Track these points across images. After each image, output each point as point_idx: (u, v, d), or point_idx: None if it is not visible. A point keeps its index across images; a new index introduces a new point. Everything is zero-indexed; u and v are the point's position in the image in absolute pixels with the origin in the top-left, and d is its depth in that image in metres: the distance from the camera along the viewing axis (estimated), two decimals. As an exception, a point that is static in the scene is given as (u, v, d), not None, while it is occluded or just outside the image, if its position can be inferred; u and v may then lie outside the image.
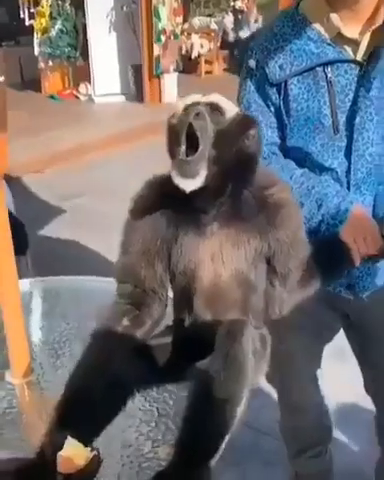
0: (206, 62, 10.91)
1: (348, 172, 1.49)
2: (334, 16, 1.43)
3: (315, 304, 1.40)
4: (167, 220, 1.20)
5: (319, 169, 1.51)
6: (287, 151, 1.55)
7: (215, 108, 1.11)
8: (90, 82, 8.90)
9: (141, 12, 8.25)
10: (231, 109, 1.14)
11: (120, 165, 6.04)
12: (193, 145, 1.08)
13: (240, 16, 11.09)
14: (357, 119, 1.45)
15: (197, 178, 1.09)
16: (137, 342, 1.22)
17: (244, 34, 10.92)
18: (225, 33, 11.33)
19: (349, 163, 1.49)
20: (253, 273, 1.23)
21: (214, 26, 11.20)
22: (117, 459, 1.15)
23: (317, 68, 1.45)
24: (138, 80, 8.69)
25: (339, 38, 1.45)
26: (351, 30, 1.45)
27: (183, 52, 10.39)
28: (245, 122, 1.16)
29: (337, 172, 1.50)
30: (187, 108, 1.12)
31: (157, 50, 8.41)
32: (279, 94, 1.50)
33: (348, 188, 1.50)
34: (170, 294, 1.31)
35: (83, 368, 1.16)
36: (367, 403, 2.18)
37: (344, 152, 1.48)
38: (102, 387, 1.13)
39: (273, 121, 1.53)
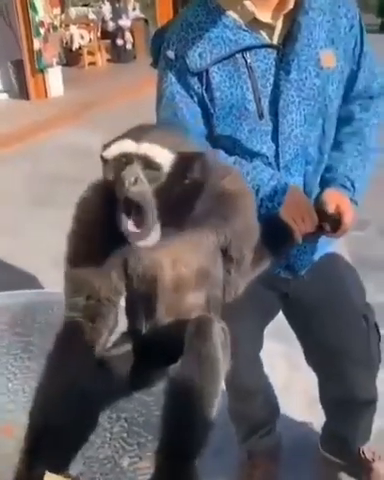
0: (88, 53, 10.71)
1: (277, 155, 1.51)
2: (248, 3, 1.44)
3: (255, 287, 1.41)
4: (113, 222, 1.14)
5: (249, 155, 1.51)
6: (215, 140, 1.54)
7: (150, 164, 1.04)
8: (-31, 83, 8.45)
9: (15, 5, 7.92)
10: (166, 160, 1.05)
11: (12, 167, 5.81)
12: (137, 209, 1.05)
13: (117, 5, 10.96)
14: (280, 102, 1.47)
15: (151, 237, 1.07)
16: (97, 356, 1.16)
17: (124, 23, 10.81)
18: (104, 22, 11.16)
19: (277, 146, 1.50)
20: (214, 268, 1.21)
21: (92, 16, 11.01)
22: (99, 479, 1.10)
23: (236, 55, 1.44)
24: (20, 76, 8.37)
25: (254, 24, 1.46)
26: (264, 15, 1.46)
27: (63, 44, 10.13)
28: (185, 164, 1.07)
29: (267, 156, 1.51)
30: (120, 160, 1.05)
31: (37, 44, 8.12)
32: (201, 83, 1.48)
33: (278, 170, 1.52)
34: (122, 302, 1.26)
35: (45, 393, 1.09)
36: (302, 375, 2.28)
37: (271, 136, 1.50)
38: (69, 409, 1.07)
39: (198, 111, 1.51)
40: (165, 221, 1.08)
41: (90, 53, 10.75)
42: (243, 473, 2.16)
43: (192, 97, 1.50)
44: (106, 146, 1.08)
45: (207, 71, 1.46)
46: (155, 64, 1.58)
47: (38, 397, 1.09)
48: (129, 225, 1.06)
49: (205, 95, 1.48)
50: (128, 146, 1.05)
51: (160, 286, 1.17)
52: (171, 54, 1.48)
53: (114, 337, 1.25)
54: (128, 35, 10.95)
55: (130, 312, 1.26)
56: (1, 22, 8.23)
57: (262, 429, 2.10)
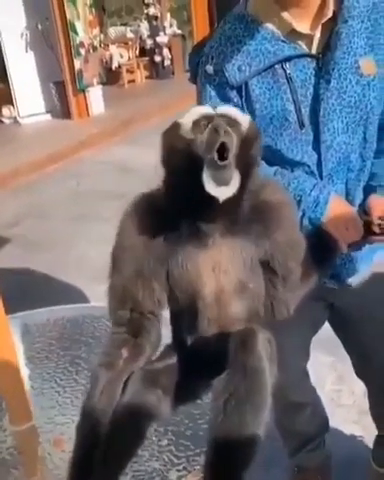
0: (127, 71, 10.87)
1: (319, 164, 1.50)
2: (285, 14, 1.44)
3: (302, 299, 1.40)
4: (160, 237, 1.16)
5: (290, 165, 1.51)
6: None
7: (231, 120, 1.09)
8: (13, 104, 8.67)
9: (56, 28, 8.11)
10: (244, 120, 1.13)
11: (56, 184, 5.94)
12: (222, 154, 1.05)
13: (155, 22, 11.12)
14: (321, 111, 1.46)
15: (231, 185, 1.07)
16: (142, 370, 1.17)
17: (162, 40, 10.95)
18: (142, 40, 11.33)
19: (319, 155, 1.49)
20: (253, 280, 1.20)
21: (130, 34, 11.19)
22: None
23: (275, 66, 1.45)
24: (62, 96, 8.54)
25: (292, 35, 1.45)
26: (303, 25, 1.45)
27: (103, 64, 10.33)
28: (255, 132, 1.15)
29: (308, 165, 1.50)
30: (199, 123, 1.08)
31: (78, 64, 8.29)
32: (241, 96, 1.49)
33: (321, 179, 1.51)
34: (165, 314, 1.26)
35: (90, 414, 1.10)
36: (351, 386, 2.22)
37: (312, 145, 1.49)
38: (116, 423, 1.08)
39: None
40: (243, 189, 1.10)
41: (129, 71, 10.90)
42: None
43: None
44: (179, 121, 1.11)
45: (246, 84, 1.47)
46: (193, 79, 1.60)
47: (86, 411, 1.11)
48: (214, 158, 1.04)
49: (245, 108, 1.49)
50: (206, 109, 1.11)
51: (201, 297, 1.17)
52: (210, 69, 1.49)
53: (159, 349, 1.26)
54: (166, 51, 11.08)
55: (174, 324, 1.27)
56: (42, 44, 8.43)
57: (311, 443, 2.06)
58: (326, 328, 2.52)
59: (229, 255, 1.17)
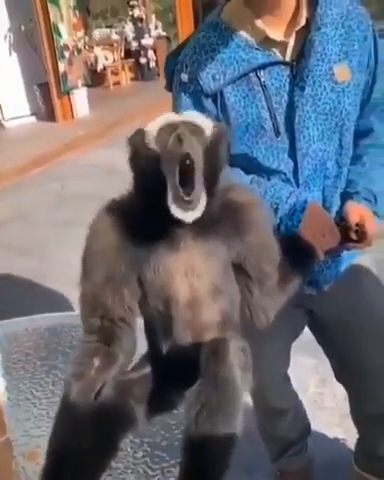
0: (112, 73, 10.84)
1: (295, 171, 1.50)
2: (259, 22, 1.44)
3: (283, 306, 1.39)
4: (131, 241, 1.14)
5: (266, 173, 1.51)
6: (232, 159, 1.53)
7: (196, 129, 1.08)
8: (-3, 106, 8.62)
9: (40, 30, 8.07)
10: (207, 125, 1.11)
11: (40, 188, 5.91)
12: (185, 174, 1.03)
13: (140, 24, 11.10)
14: (296, 119, 1.46)
15: (198, 209, 1.06)
16: (115, 380, 1.16)
17: (147, 42, 10.94)
18: (127, 42, 11.31)
19: (295, 163, 1.49)
20: (227, 284, 1.19)
21: (115, 36, 11.17)
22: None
23: (250, 74, 1.45)
24: (46, 99, 8.51)
25: (266, 42, 1.46)
26: (277, 33, 1.45)
27: (88, 66, 10.29)
28: (221, 133, 1.13)
29: (285, 173, 1.50)
30: (163, 131, 1.07)
31: (62, 67, 8.26)
32: (216, 104, 1.48)
33: (297, 187, 1.51)
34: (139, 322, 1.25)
35: (62, 425, 1.09)
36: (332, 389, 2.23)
37: (288, 152, 1.49)
38: (89, 434, 1.07)
39: None
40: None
41: (114, 73, 10.87)
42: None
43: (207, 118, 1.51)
44: (144, 128, 1.10)
45: (221, 92, 1.46)
46: (169, 87, 1.60)
47: (57, 423, 1.10)
48: (178, 189, 1.03)
49: (221, 116, 1.48)
50: (171, 117, 1.10)
51: (175, 302, 1.16)
52: (185, 77, 1.49)
53: (136, 359, 1.25)
54: (151, 53, 11.06)
55: (148, 331, 1.26)
56: (26, 46, 8.39)
57: (293, 448, 2.06)
58: (308, 331, 2.53)
59: (202, 258, 1.15)
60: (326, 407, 2.42)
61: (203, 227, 1.13)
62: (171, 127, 1.07)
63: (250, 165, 1.51)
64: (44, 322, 1.70)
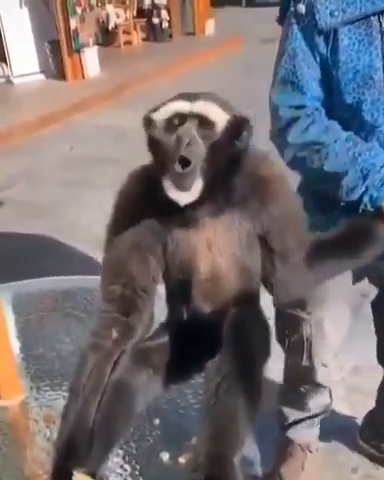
0: (124, 32, 10.59)
1: None
2: None
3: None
4: (156, 214, 1.13)
5: (367, 130, 1.41)
6: (333, 109, 1.45)
7: (204, 122, 1.05)
8: (6, 63, 8.46)
9: (52, -16, 7.86)
10: (221, 119, 1.07)
11: (49, 148, 5.84)
12: (186, 160, 1.03)
13: (154, -18, 10.80)
14: None
15: (192, 190, 1.06)
16: (132, 348, 1.15)
17: (160, 1, 10.66)
18: (140, 1, 11.02)
19: None
20: (249, 257, 1.18)
21: (128, -6, 10.89)
22: (138, 473, 1.09)
23: (371, 17, 1.35)
24: (57, 56, 8.34)
25: None
26: None
27: (100, 24, 10.07)
28: (237, 127, 1.09)
29: None
30: (171, 122, 1.05)
31: (74, 24, 8.07)
32: (327, 44, 1.39)
33: None
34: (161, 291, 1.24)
35: (79, 393, 1.08)
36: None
37: None
38: (107, 407, 1.07)
39: (319, 73, 1.43)
40: (209, 189, 1.08)
41: (126, 32, 10.64)
42: (278, 461, 2.14)
43: (315, 57, 1.42)
44: (153, 111, 1.08)
45: (336, 31, 1.38)
46: (281, 20, 1.51)
47: (73, 392, 1.09)
48: (176, 167, 1.04)
49: (329, 57, 1.40)
50: (181, 106, 1.06)
51: (196, 274, 1.16)
52: (301, 8, 1.41)
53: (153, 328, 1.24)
54: (164, 13, 10.79)
55: (170, 301, 1.25)
56: (38, 2, 8.18)
57: (309, 420, 2.05)
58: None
59: (224, 234, 1.15)
60: (332, 380, 2.43)
61: (220, 205, 1.13)
62: (179, 118, 1.05)
63: (351, 118, 1.41)
64: (58, 285, 1.69)
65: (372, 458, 2.12)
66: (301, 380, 1.90)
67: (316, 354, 1.80)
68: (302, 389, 1.93)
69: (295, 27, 1.42)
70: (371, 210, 1.35)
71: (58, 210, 4.34)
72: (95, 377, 1.08)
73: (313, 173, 1.45)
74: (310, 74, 1.42)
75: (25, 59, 8.35)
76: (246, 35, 11.06)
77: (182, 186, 1.05)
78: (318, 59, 1.41)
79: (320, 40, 1.40)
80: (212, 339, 1.10)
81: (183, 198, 1.06)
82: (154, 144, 1.10)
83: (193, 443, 1.06)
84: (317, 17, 1.38)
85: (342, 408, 2.31)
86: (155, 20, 10.77)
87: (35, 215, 4.24)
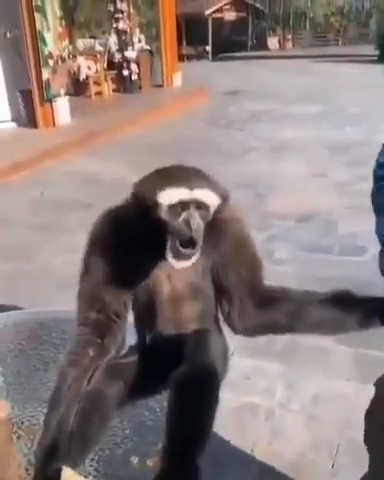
0: (95, 83, 10.97)
1: None
2: None
3: None
4: (127, 247, 1.29)
5: None
6: None
7: (202, 206, 1.23)
8: (-22, 111, 8.66)
9: (25, 38, 8.17)
10: (214, 203, 1.25)
11: (20, 193, 5.97)
12: (193, 241, 1.21)
13: (123, 37, 11.27)
14: None
15: (191, 260, 1.23)
16: (106, 364, 1.30)
17: (130, 54, 11.11)
18: (110, 54, 11.46)
19: None
20: (205, 284, 1.36)
21: (99, 47, 11.32)
22: (110, 475, 1.21)
23: None
24: (29, 105, 8.58)
25: None
26: None
27: (71, 75, 10.41)
28: (222, 205, 1.27)
29: None
30: (175, 208, 1.21)
31: (46, 74, 8.36)
32: None
33: None
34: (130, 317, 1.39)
35: (59, 403, 1.22)
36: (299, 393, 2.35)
37: None
38: (82, 416, 1.21)
39: None
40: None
41: (96, 83, 11.02)
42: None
43: None
44: (158, 190, 1.21)
45: None
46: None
47: (53, 403, 1.23)
48: (184, 252, 1.21)
49: None
50: (184, 194, 1.22)
51: (158, 298, 1.32)
52: None
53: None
54: (134, 66, 11.24)
55: (137, 324, 1.41)
56: (11, 52, 8.47)
57: None
58: (279, 339, 2.69)
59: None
60: (292, 409, 2.55)
61: None
62: (182, 205, 1.22)
63: None
64: (33, 317, 1.81)
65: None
66: None
67: None
68: None
69: None
70: None
71: (29, 253, 4.44)
72: (74, 389, 1.22)
73: None
74: None
75: (-3, 107, 8.58)
76: (211, 87, 11.57)
77: (184, 260, 1.22)
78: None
79: None
80: (176, 357, 1.24)
81: (181, 265, 1.23)
82: (158, 221, 1.23)
83: (159, 448, 1.18)
84: None
85: (302, 435, 2.42)
86: (125, 72, 11.20)
87: (6, 258, 4.32)
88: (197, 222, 1.20)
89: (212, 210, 1.24)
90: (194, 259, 1.23)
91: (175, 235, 1.21)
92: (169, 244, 1.22)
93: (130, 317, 1.40)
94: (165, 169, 1.28)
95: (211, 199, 1.24)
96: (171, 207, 1.21)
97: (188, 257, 1.22)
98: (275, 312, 1.33)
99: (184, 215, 1.20)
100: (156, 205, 1.21)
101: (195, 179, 1.24)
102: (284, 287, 1.37)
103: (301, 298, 1.34)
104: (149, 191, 1.22)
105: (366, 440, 1.42)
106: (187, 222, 1.19)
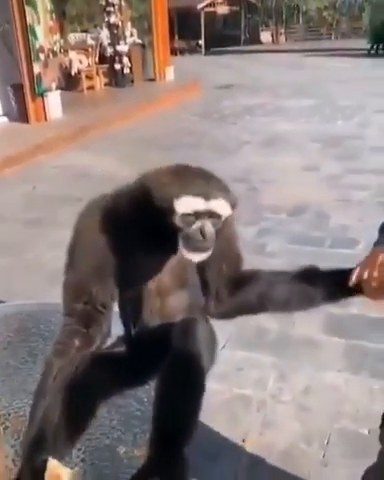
0: (87, 77, 10.92)
1: None
2: None
3: None
4: (114, 238, 1.28)
5: None
6: None
7: (214, 216, 1.23)
8: (-31, 105, 8.62)
9: (16, 32, 8.11)
10: (226, 213, 1.26)
11: (12, 187, 5.95)
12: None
13: (115, 31, 11.22)
14: None
15: (207, 252, 1.23)
16: (92, 355, 1.29)
17: (122, 48, 11.06)
18: (102, 48, 11.41)
19: None
20: (192, 276, 1.36)
21: (90, 41, 11.26)
22: (97, 465, 1.21)
23: None
24: (20, 100, 8.53)
25: None
26: None
27: (63, 69, 10.35)
28: (231, 216, 1.29)
29: None
30: (188, 217, 1.21)
31: (37, 69, 8.32)
32: None
33: None
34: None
35: (45, 393, 1.22)
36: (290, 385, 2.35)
37: None
38: (69, 405, 1.20)
39: None
40: None
41: (88, 77, 10.97)
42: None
43: None
44: (175, 197, 1.20)
45: None
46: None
47: (39, 394, 1.22)
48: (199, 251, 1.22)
49: None
50: (200, 204, 1.21)
51: (145, 292, 1.32)
52: None
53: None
54: (125, 60, 11.20)
55: (123, 316, 1.40)
56: (1, 47, 8.42)
57: None
58: (273, 329, 2.70)
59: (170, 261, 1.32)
60: (283, 401, 2.56)
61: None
62: (196, 215, 1.21)
63: None
64: (23, 309, 1.80)
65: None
66: None
67: None
68: None
69: None
70: None
71: (21, 248, 4.43)
72: (59, 379, 1.21)
73: None
74: None
75: (-12, 102, 8.54)
76: (204, 81, 11.55)
77: (200, 250, 1.23)
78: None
79: None
80: (163, 348, 1.24)
81: (197, 257, 1.24)
82: (166, 223, 1.23)
83: (147, 438, 1.18)
84: None
85: (293, 426, 2.43)
86: (117, 66, 11.16)
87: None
88: (210, 231, 1.21)
89: (223, 219, 1.25)
90: (210, 252, 1.24)
91: (186, 239, 1.22)
92: (181, 243, 1.23)
93: (116, 307, 1.39)
94: (183, 172, 1.26)
95: (225, 210, 1.25)
96: (185, 215, 1.21)
97: (207, 245, 1.23)
98: (246, 295, 1.37)
99: (198, 224, 1.21)
100: (170, 211, 1.21)
101: (211, 188, 1.23)
102: (254, 269, 1.41)
103: (270, 278, 1.38)
104: (165, 196, 1.20)
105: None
106: (201, 231, 1.21)
